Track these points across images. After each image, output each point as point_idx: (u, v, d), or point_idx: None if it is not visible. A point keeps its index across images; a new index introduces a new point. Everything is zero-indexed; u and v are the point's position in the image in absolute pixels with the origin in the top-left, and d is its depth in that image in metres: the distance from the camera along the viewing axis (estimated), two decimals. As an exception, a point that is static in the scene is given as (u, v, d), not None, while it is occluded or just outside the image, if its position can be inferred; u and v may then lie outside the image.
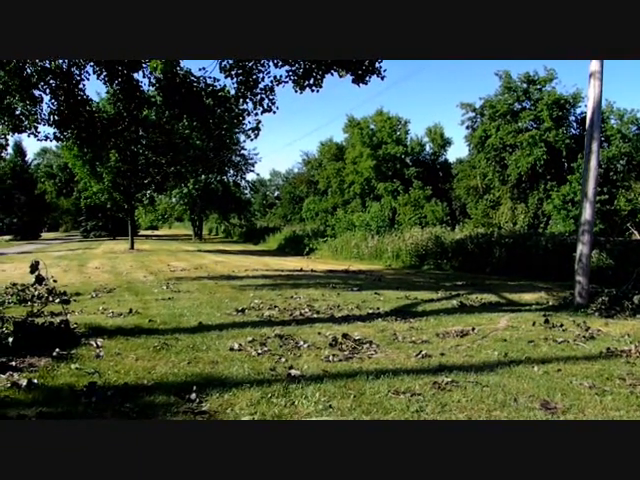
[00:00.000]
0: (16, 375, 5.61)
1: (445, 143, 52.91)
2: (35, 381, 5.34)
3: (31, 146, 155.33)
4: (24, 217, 61.43)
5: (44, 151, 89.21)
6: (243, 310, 9.79)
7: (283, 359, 6.34)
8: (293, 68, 13.61)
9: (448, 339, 7.68)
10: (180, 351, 6.68)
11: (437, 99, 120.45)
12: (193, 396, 4.90)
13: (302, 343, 7.15)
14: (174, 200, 54.50)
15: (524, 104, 36.77)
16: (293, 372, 5.71)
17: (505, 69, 37.43)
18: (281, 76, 13.83)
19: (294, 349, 6.88)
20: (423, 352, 6.67)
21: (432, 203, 44.78)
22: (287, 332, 7.83)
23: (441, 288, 13.82)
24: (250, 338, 7.34)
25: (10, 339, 6.15)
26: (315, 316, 9.46)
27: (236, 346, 6.87)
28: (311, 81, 13.69)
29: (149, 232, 69.69)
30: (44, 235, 66.99)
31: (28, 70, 14.48)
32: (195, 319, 8.89)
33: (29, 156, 70.20)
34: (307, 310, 9.98)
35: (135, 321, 8.75)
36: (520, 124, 35.97)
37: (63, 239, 60.28)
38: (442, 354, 6.72)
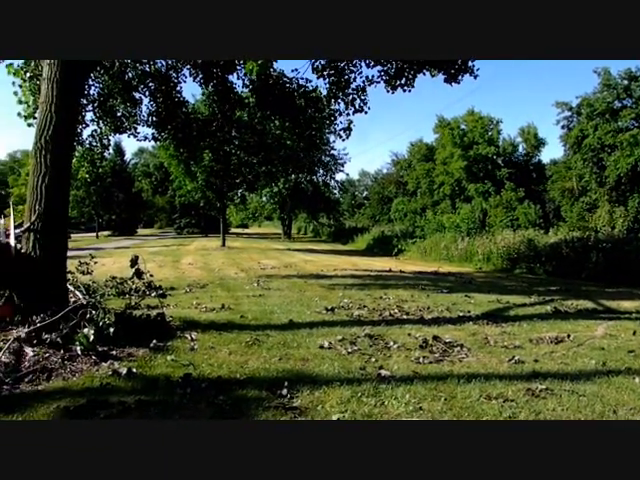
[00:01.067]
0: (116, 364, 5.87)
1: (539, 143, 51.28)
2: (134, 370, 5.58)
3: (129, 146, 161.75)
4: (122, 214, 64.35)
5: (141, 151, 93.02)
6: (332, 309, 9.84)
7: (373, 359, 6.33)
8: (385, 68, 13.56)
9: (542, 345, 7.42)
10: (271, 347, 6.79)
11: (530, 98, 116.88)
12: (284, 392, 4.97)
13: (392, 344, 7.10)
14: (264, 199, 55.55)
15: (624, 102, 35.13)
16: (383, 372, 5.69)
17: (604, 66, 35.93)
18: (373, 76, 13.81)
19: (384, 349, 6.85)
20: (516, 357, 6.48)
21: (524, 205, 43.51)
22: (377, 332, 7.80)
23: (534, 293, 13.37)
24: (340, 337, 7.37)
25: (111, 329, 6.43)
26: (405, 317, 9.38)
27: (326, 344, 6.91)
28: (403, 81, 13.60)
29: (239, 230, 71.29)
30: (140, 231, 69.85)
31: (129, 74, 15.14)
32: (285, 316, 9.01)
33: (127, 156, 73.29)
34: (396, 311, 9.91)
35: (227, 316, 8.97)
36: (620, 123, 34.44)
37: (158, 235, 62.63)
38: (536, 360, 6.51)
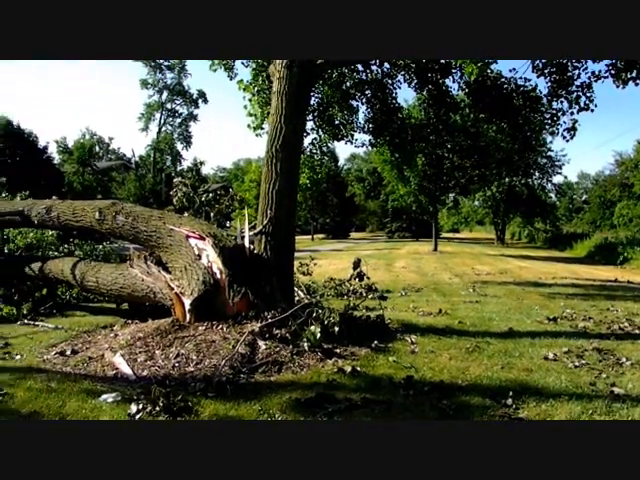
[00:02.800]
0: (340, 361, 6.13)
1: None
2: (358, 369, 5.78)
3: (342, 152, 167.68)
4: (335, 217, 66.85)
5: (353, 157, 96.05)
6: (555, 319, 9.34)
7: (603, 375, 5.89)
8: (613, 61, 12.59)
9: None
10: (492, 355, 6.63)
11: None
12: (509, 401, 4.82)
13: (624, 360, 6.54)
14: (477, 203, 54.39)
15: None
16: (616, 390, 5.27)
17: None
18: (600, 71, 12.89)
19: (615, 365, 6.34)
20: None
21: None
22: (605, 346, 7.24)
23: None
24: (565, 349, 6.97)
25: (336, 328, 6.72)
26: (637, 332, 8.61)
27: (551, 355, 6.58)
28: (634, 74, 12.53)
29: (450, 235, 70.51)
30: (352, 235, 71.94)
31: (347, 83, 15.69)
32: (505, 324, 8.73)
33: (340, 162, 76.03)
34: (627, 325, 9.11)
35: (445, 321, 8.93)
36: None
37: (369, 239, 64.12)
38: None
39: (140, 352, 6.23)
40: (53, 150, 53.69)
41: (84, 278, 8.87)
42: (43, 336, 7.67)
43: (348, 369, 5.73)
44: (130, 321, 8.21)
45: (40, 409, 4.60)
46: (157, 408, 4.56)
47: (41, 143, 40.41)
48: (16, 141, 36.13)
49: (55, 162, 48.30)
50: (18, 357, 6.51)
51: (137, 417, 4.44)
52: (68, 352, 6.63)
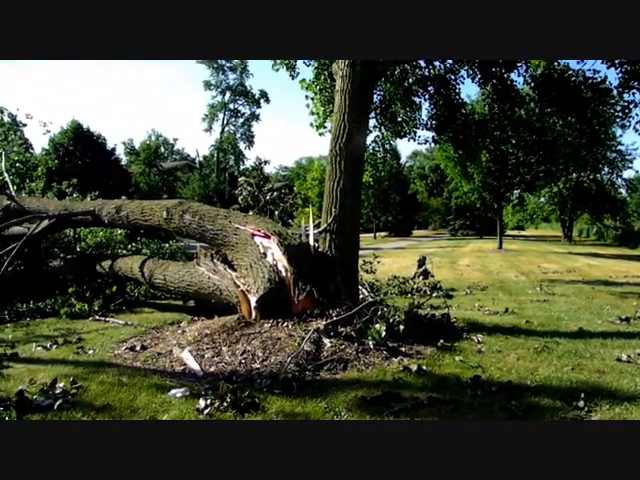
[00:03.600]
0: (406, 360, 6.08)
1: None
2: (424, 367, 5.73)
3: (404, 149, 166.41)
4: (398, 215, 66.49)
5: (415, 154, 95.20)
6: (627, 319, 8.99)
7: (682, 378, 5.66)
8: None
9: None
10: (562, 355, 6.44)
11: None
12: (581, 404, 4.67)
13: None
14: (543, 200, 53.07)
15: None
16: (696, 393, 5.06)
17: None
18: (679, 60, 12.36)
19: (694, 368, 6.09)
20: None
21: None
22: (686, 349, 6.95)
23: None
24: (639, 350, 6.73)
25: (401, 327, 6.67)
26: None
27: (624, 357, 6.34)
28: None
29: (515, 232, 69.06)
30: (415, 232, 71.39)
31: (409, 80, 15.56)
32: (574, 324, 8.48)
33: (402, 159, 75.51)
34: None
35: (512, 320, 8.74)
36: None
37: (432, 237, 63.56)
38: None
39: (207, 348, 6.35)
40: (120, 152, 55.20)
41: (152, 276, 9.10)
42: (113, 332, 7.91)
43: (414, 368, 5.67)
44: (197, 318, 8.36)
45: (112, 402, 4.74)
46: (225, 404, 4.62)
47: (109, 145, 41.60)
48: (85, 144, 37.27)
49: (122, 163, 49.63)
50: (91, 352, 6.72)
51: (205, 412, 4.51)
52: (138, 347, 6.80)
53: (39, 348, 6.89)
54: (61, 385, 5.08)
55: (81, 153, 36.91)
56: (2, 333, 7.89)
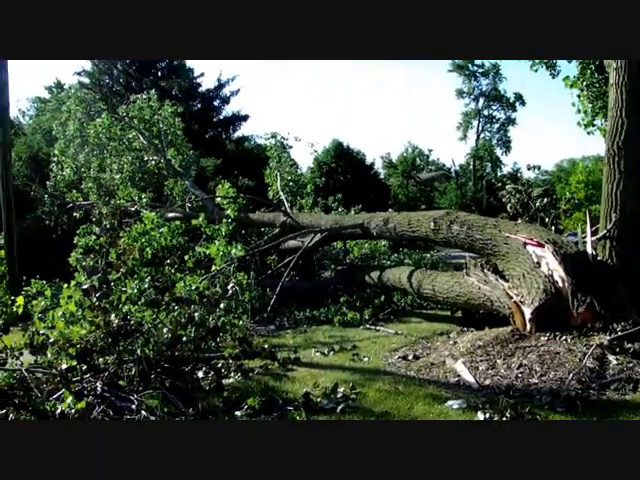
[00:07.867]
0: None
1: None
2: None
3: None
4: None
5: None
6: None
7: None
8: None
9: None
10: None
11: None
12: None
13: None
14: None
15: None
16: None
17: None
18: None
19: None
20: None
21: None
22: None
23: None
24: None
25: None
26: None
27: None
28: None
29: None
30: None
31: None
32: None
33: None
34: None
35: None
36: None
37: None
38: None
39: (481, 360, 6.24)
40: (379, 165, 57.16)
41: (420, 286, 9.22)
42: (385, 340, 8.16)
43: None
44: (466, 329, 8.28)
45: (390, 409, 4.89)
46: (504, 419, 4.52)
47: (368, 160, 43.44)
48: (346, 161, 39.41)
49: (381, 177, 51.41)
50: (365, 359, 7.02)
51: (486, 427, 4.44)
52: (410, 357, 6.93)
53: (317, 354, 7.39)
54: (341, 390, 5.39)
55: (343, 169, 39.03)
56: (284, 339, 8.61)
